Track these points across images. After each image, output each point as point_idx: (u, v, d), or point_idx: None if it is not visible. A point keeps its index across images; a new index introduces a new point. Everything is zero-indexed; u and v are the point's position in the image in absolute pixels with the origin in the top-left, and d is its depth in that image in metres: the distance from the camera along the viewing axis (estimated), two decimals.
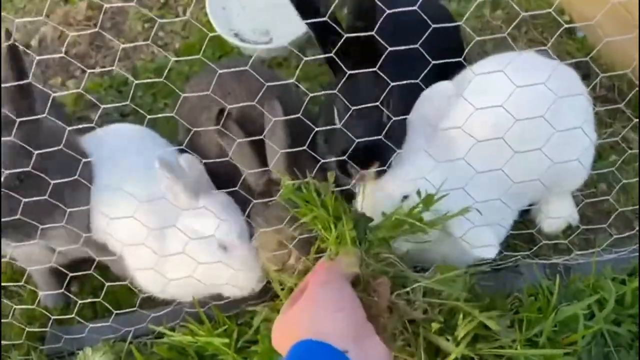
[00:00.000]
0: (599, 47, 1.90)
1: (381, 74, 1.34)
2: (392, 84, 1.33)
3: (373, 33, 1.31)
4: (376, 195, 1.41)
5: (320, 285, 1.05)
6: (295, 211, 1.34)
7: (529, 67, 1.49)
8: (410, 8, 1.29)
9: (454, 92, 1.45)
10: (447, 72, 1.57)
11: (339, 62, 1.31)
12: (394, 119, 1.38)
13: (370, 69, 1.33)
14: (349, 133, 1.35)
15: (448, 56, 1.45)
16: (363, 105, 1.37)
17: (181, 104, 1.76)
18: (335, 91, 1.39)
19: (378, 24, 1.30)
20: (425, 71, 1.32)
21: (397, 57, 1.34)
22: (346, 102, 1.36)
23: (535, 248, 1.63)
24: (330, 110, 1.47)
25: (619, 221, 1.78)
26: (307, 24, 1.37)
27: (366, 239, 1.33)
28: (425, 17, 1.25)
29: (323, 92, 1.60)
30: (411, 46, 1.22)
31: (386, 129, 1.35)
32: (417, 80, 1.29)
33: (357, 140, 1.33)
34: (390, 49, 1.27)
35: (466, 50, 1.61)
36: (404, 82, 1.32)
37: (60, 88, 2.47)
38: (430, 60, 1.28)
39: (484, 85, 1.33)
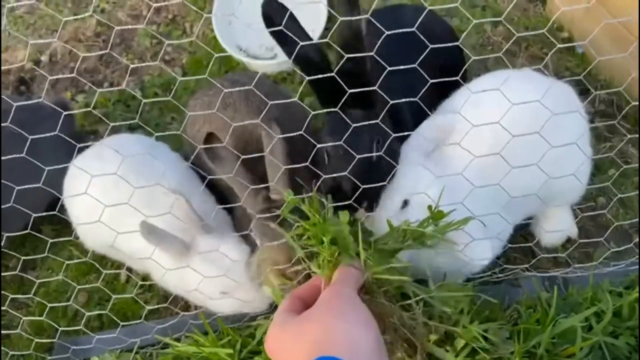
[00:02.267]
0: (594, 63, 1.94)
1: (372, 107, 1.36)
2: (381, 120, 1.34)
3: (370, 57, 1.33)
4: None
5: (345, 298, 0.99)
6: (298, 226, 1.38)
7: (525, 85, 1.53)
8: (410, 30, 1.31)
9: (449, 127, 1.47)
10: (448, 87, 1.61)
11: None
12: (383, 155, 1.38)
13: (360, 109, 1.36)
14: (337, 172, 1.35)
15: (449, 72, 1.50)
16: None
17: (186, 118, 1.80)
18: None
19: (377, 45, 1.33)
20: (424, 89, 1.36)
21: (394, 80, 1.38)
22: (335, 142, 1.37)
23: (534, 261, 1.65)
24: (319, 152, 1.45)
25: (617, 234, 1.80)
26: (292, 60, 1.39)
27: (367, 253, 1.37)
28: (425, 34, 1.27)
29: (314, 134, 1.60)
30: (410, 66, 1.26)
31: (376, 166, 1.37)
32: (416, 99, 1.31)
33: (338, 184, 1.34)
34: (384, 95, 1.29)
35: (465, 67, 1.65)
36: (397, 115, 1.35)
37: (70, 102, 2.52)
38: (429, 79, 1.32)
39: (482, 101, 1.37)
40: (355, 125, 1.33)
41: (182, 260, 1.43)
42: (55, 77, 2.27)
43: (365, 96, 1.33)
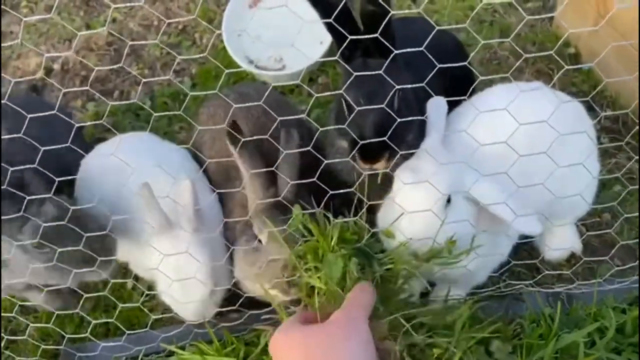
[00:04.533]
0: (602, 84, 1.95)
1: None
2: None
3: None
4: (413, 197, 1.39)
5: (359, 321, 1.06)
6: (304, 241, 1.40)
7: (536, 101, 1.54)
8: (418, 49, 1.32)
9: None
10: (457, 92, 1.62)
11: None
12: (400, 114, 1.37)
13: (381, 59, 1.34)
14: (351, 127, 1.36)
15: (458, 84, 1.52)
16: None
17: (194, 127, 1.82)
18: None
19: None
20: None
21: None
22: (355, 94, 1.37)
23: (538, 277, 1.66)
24: (340, 103, 1.47)
25: (622, 251, 1.80)
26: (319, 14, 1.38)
27: (372, 272, 1.38)
28: (433, 45, 1.28)
29: (334, 94, 1.59)
30: (420, 84, 1.28)
31: (397, 116, 1.35)
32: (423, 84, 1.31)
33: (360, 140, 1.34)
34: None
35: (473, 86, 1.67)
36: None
37: (80, 110, 2.56)
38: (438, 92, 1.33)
39: (491, 116, 1.38)
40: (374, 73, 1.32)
41: (159, 237, 1.45)
42: (67, 89, 2.30)
43: (387, 46, 1.33)
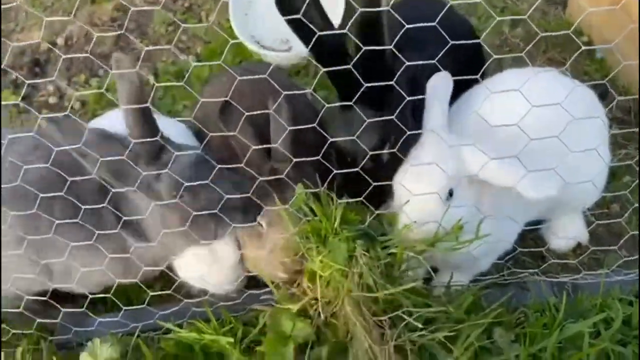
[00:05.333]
0: (618, 67, 1.90)
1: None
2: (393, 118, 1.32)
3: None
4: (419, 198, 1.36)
5: None
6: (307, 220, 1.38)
7: (550, 84, 1.50)
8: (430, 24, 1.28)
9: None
10: (465, 83, 1.58)
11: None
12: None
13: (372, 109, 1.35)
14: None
15: (468, 66, 1.48)
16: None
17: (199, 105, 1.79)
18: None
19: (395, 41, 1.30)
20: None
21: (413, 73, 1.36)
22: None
23: (544, 265, 1.63)
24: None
25: (629, 243, 1.76)
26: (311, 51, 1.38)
27: (376, 255, 1.36)
28: (445, 28, 1.24)
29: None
30: (429, 62, 1.24)
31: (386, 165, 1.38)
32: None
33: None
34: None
35: (484, 66, 1.63)
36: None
37: (83, 85, 2.53)
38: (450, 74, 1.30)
39: (503, 98, 1.34)
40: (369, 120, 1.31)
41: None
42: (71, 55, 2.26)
43: (381, 93, 1.30)
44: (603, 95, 1.77)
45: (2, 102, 2.48)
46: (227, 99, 1.47)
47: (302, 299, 1.42)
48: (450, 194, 1.33)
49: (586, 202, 1.65)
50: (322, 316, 1.36)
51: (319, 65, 1.51)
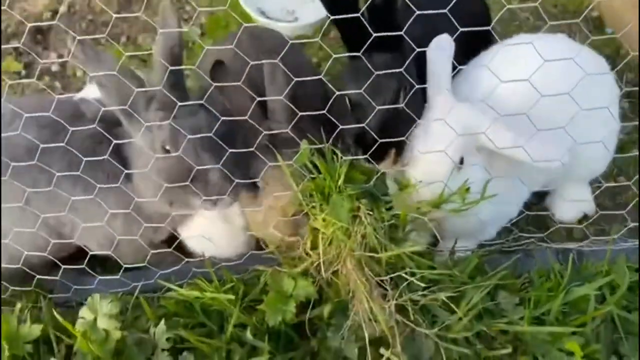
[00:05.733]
0: None
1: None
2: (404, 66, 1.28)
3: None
4: (429, 160, 1.35)
5: None
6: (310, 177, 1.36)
7: (557, 47, 1.48)
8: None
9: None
10: (474, 45, 1.56)
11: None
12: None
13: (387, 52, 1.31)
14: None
15: (476, 35, 1.45)
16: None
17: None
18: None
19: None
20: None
21: (423, 28, 1.33)
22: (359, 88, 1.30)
23: (549, 231, 1.61)
24: (342, 99, 1.40)
25: (635, 214, 1.74)
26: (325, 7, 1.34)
27: (380, 216, 1.34)
28: None
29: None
30: (439, 11, 1.21)
31: (402, 114, 1.31)
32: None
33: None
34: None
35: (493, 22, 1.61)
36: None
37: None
38: (458, 27, 1.27)
39: (514, 57, 1.32)
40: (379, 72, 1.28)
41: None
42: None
43: (393, 38, 1.27)
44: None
45: (4, 70, 2.47)
46: (219, 59, 1.44)
47: (304, 261, 1.41)
48: (461, 162, 1.31)
49: (595, 170, 1.62)
50: (324, 275, 1.34)
51: (324, 37, 1.51)
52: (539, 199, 1.80)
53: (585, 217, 1.77)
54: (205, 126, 1.39)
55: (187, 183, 1.36)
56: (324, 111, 1.30)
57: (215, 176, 1.37)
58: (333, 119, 1.32)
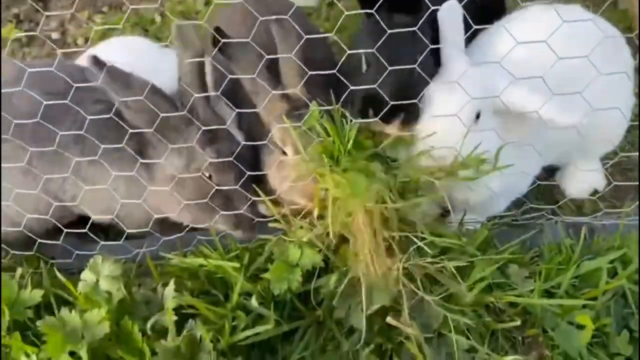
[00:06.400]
0: None
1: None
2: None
3: None
4: (445, 120, 1.30)
5: None
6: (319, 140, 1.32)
7: (573, 16, 1.44)
8: None
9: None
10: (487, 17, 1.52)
11: None
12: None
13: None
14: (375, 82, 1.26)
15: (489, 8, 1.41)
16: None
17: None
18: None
19: None
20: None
21: None
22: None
23: (560, 203, 1.59)
24: (357, 58, 1.38)
25: None
26: None
27: (393, 176, 1.30)
28: None
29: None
30: None
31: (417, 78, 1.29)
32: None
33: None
34: None
35: None
36: None
37: (86, 22, 2.45)
38: None
39: (530, 22, 1.28)
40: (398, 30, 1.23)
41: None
42: None
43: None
44: None
45: (4, 36, 2.42)
46: (217, 24, 1.40)
47: (311, 230, 1.38)
48: (478, 116, 1.28)
49: (611, 140, 1.59)
50: (332, 235, 1.31)
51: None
52: (548, 175, 1.77)
53: (595, 192, 1.74)
54: (236, 150, 1.40)
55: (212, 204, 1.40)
56: (335, 71, 1.26)
57: (242, 204, 1.40)
58: (344, 80, 1.28)
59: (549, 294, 1.34)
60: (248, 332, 1.27)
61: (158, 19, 2.45)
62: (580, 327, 1.29)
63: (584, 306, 1.31)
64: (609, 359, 1.29)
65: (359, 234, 1.28)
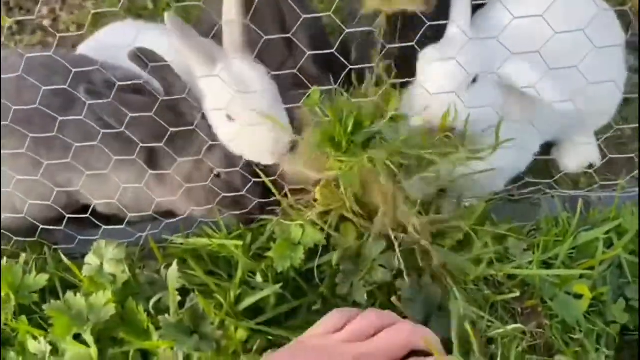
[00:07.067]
0: None
1: None
2: None
3: None
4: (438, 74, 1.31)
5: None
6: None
7: None
8: None
9: None
10: None
11: None
12: None
13: None
14: None
15: None
16: None
17: None
18: None
19: None
20: None
21: None
22: None
23: (557, 177, 1.61)
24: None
25: None
26: None
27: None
28: None
29: None
30: None
31: None
32: None
33: None
34: None
35: None
36: None
37: (77, 7, 2.43)
38: None
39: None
40: None
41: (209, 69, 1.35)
42: None
43: None
44: None
45: None
46: None
47: (313, 208, 1.40)
48: (475, 80, 1.29)
49: (605, 112, 1.61)
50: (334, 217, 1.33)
51: None
52: (543, 151, 1.79)
53: (591, 167, 1.77)
54: None
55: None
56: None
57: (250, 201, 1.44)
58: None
59: (547, 265, 1.37)
60: (252, 299, 1.28)
61: (150, 5, 2.44)
62: (578, 296, 1.32)
63: (581, 276, 1.33)
64: (606, 327, 1.32)
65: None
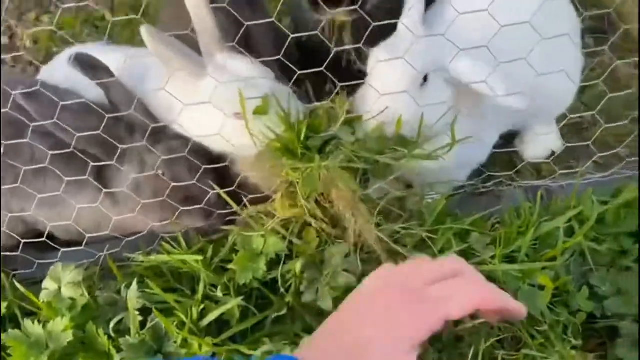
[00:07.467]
0: None
1: None
2: None
3: None
4: (388, 74, 1.29)
5: None
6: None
7: None
8: None
9: None
10: None
11: None
12: None
13: None
14: None
15: None
16: None
17: None
18: None
19: None
20: None
21: None
22: None
23: (518, 167, 1.61)
24: None
25: (602, 150, 1.74)
26: None
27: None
28: None
29: None
30: None
31: None
32: None
33: None
34: None
35: None
36: None
37: (34, 23, 2.39)
38: None
39: None
40: None
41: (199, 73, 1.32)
42: None
43: None
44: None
45: None
46: None
47: (274, 217, 1.38)
48: (425, 79, 1.28)
49: (561, 102, 1.61)
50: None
51: None
52: (505, 141, 1.79)
53: (553, 154, 1.77)
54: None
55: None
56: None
57: (203, 194, 1.41)
58: None
59: (510, 258, 1.36)
60: (215, 314, 1.26)
61: (108, 15, 2.40)
62: (542, 287, 1.32)
63: (544, 267, 1.33)
64: (571, 317, 1.32)
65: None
